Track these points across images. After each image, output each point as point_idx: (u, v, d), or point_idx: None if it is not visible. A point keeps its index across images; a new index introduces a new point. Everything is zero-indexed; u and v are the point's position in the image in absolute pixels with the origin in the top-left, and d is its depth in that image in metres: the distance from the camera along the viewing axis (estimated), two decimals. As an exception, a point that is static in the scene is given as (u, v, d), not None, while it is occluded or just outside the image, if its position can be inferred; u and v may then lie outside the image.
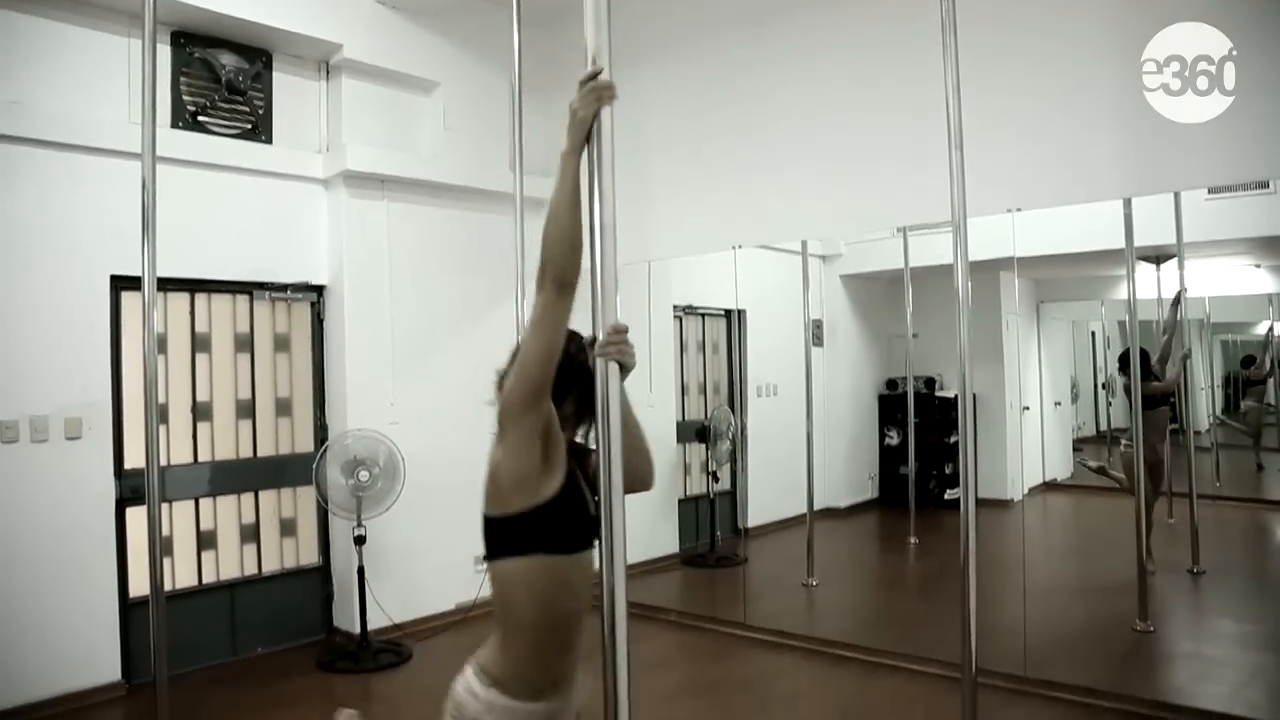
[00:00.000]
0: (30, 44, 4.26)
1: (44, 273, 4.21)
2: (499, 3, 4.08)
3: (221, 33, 4.85)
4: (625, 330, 1.68)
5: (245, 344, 5.04)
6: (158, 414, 3.30)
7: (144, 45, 3.07)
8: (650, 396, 6.29)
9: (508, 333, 4.75)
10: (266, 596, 5.05)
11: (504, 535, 1.87)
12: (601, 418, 1.67)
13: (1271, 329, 6.67)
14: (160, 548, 3.24)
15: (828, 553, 6.50)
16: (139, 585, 4.42)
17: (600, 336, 1.69)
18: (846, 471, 8.04)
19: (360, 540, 4.81)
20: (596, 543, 1.72)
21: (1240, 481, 7.22)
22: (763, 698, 4.48)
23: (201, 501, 4.85)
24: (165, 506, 4.59)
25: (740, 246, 5.55)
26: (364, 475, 4.75)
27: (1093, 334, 8.37)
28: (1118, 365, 6.15)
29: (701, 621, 5.45)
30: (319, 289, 5.29)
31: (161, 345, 4.65)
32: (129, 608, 4.44)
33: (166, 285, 4.59)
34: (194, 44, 4.80)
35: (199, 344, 4.87)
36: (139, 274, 3.22)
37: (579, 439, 2.00)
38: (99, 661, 4.31)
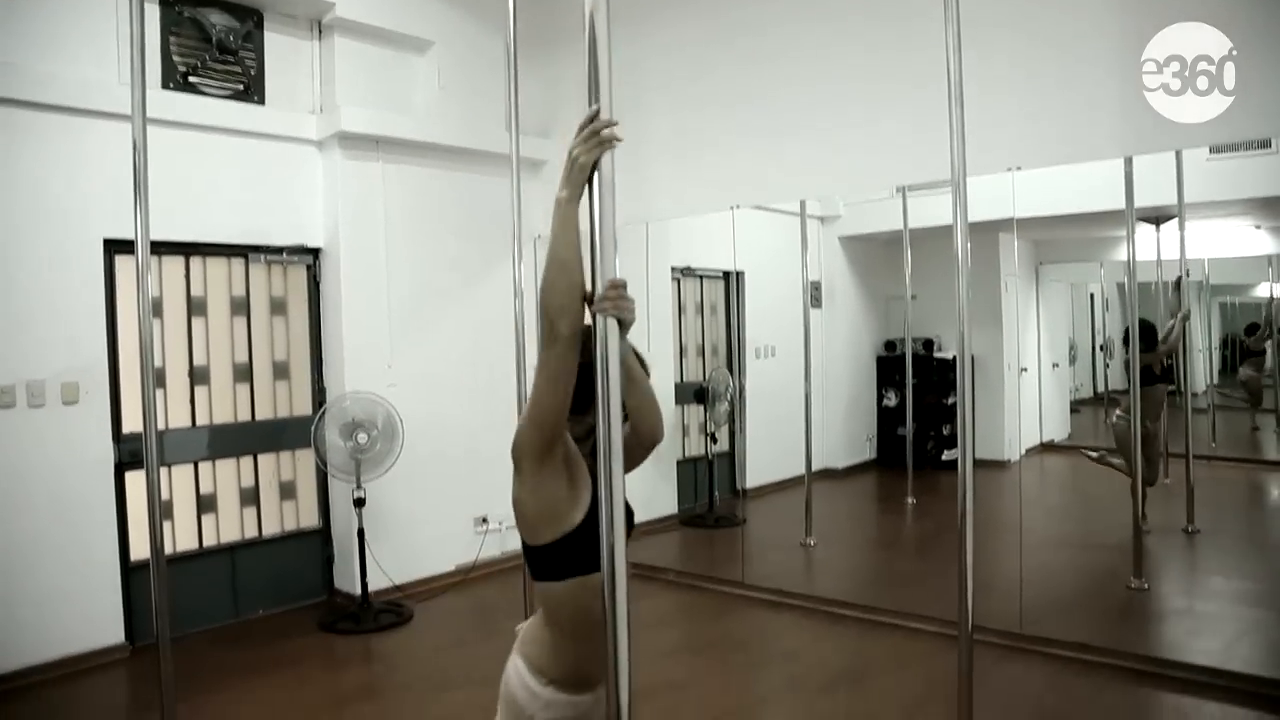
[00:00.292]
0: (18, 4, 4.18)
1: (36, 236, 4.17)
2: (493, -41, 4.01)
3: (211, -10, 4.78)
4: (623, 285, 1.66)
5: (241, 307, 5.02)
6: (154, 378, 3.29)
7: (131, 3, 3.02)
8: (648, 358, 6.26)
9: (505, 295, 4.74)
10: (267, 559, 5.08)
11: (540, 562, 1.88)
12: (600, 374, 1.65)
13: (1273, 298, 6.64)
14: (159, 511, 3.24)
15: (826, 513, 6.54)
16: (139, 549, 4.45)
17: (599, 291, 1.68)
18: (844, 433, 8.05)
19: (360, 502, 4.83)
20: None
21: (1236, 442, 7.25)
22: (761, 655, 4.53)
23: (200, 465, 4.86)
24: (164, 470, 4.60)
25: (738, 207, 5.52)
26: (362, 438, 4.76)
27: (1091, 296, 8.35)
28: (1121, 338, 6.15)
29: (700, 581, 5.49)
30: (315, 252, 5.26)
31: (157, 309, 4.63)
32: (130, 571, 4.47)
33: (161, 249, 4.56)
34: (183, 2, 4.73)
35: (195, 308, 4.84)
36: (132, 237, 3.21)
37: None
38: (102, 624, 4.35)
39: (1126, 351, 5.86)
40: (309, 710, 3.81)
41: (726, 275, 7.35)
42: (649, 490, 6.62)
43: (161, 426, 4.53)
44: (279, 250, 5.10)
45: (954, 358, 3.29)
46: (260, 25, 5.03)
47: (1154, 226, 5.62)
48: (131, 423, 4.45)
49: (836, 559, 6.20)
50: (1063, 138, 4.06)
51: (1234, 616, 4.60)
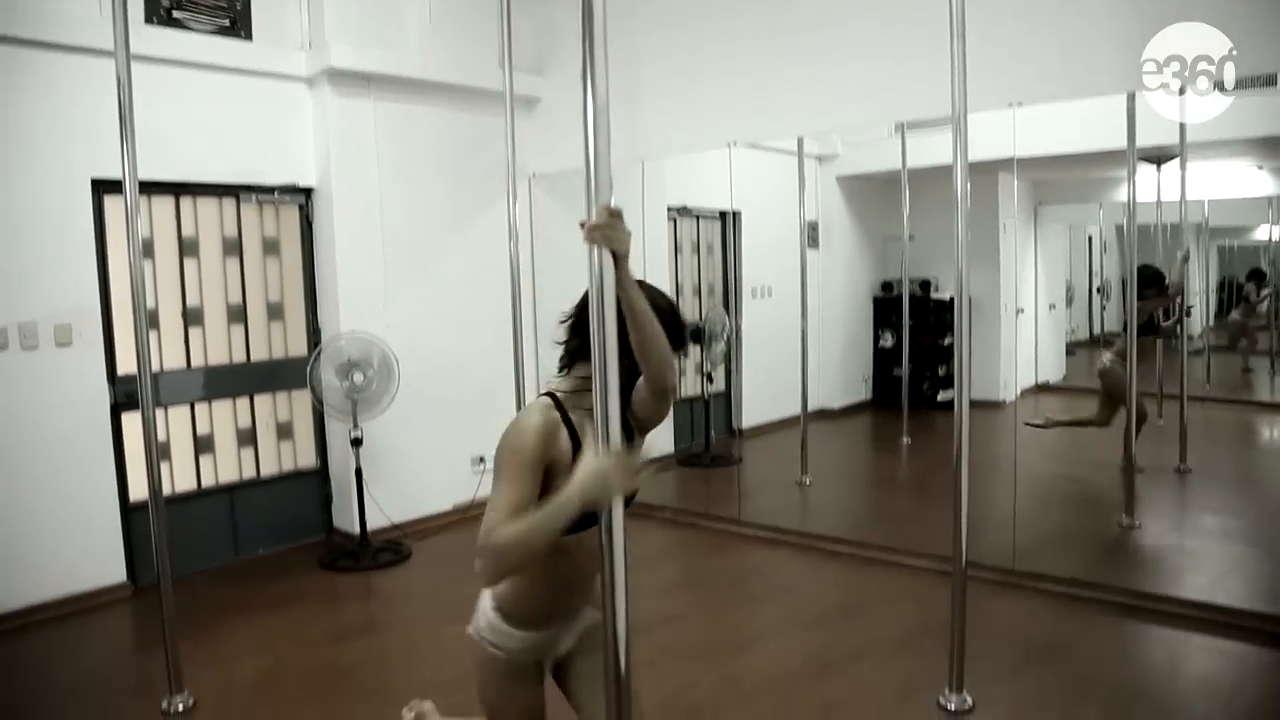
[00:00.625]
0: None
1: (21, 176, 4.10)
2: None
3: (194, -80, 4.65)
4: (619, 213, 1.64)
5: (234, 248, 4.98)
6: (147, 319, 3.28)
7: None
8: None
9: (500, 234, 4.71)
10: (266, 499, 5.11)
11: None
12: (595, 305, 1.63)
13: (1273, 241, 6.61)
14: (156, 451, 3.26)
15: (821, 452, 6.58)
16: (138, 489, 4.46)
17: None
18: (840, 373, 8.07)
19: (357, 442, 4.85)
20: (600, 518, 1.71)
21: (1229, 384, 7.30)
22: (757, 590, 4.59)
23: (197, 406, 4.86)
24: (160, 412, 4.60)
25: (735, 144, 5.46)
26: (358, 378, 4.76)
27: (1089, 239, 8.32)
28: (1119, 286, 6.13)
29: (696, 519, 5.55)
30: (307, 191, 5.20)
31: (148, 250, 4.59)
32: (130, 511, 4.49)
33: (150, 189, 4.50)
34: (166, -67, 4.60)
35: (186, 248, 4.80)
36: (120, 177, 3.17)
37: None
38: (104, 563, 4.39)
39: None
40: (310, 645, 3.87)
41: (723, 215, 7.29)
42: (645, 430, 6.63)
43: (156, 368, 4.51)
44: (270, 190, 5.04)
45: (951, 299, 3.28)
46: (246, -43, 4.90)
47: (1155, 167, 5.57)
48: (126, 364, 4.44)
49: (832, 497, 6.26)
50: (1065, 72, 4.00)
51: (1223, 553, 4.66)
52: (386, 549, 5.00)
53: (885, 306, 8.33)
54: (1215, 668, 3.38)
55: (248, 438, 5.07)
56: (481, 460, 5.80)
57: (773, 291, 7.50)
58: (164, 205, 4.70)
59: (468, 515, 5.64)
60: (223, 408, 4.97)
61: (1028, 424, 5.76)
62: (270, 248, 5.13)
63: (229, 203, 4.94)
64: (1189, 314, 5.92)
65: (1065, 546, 4.95)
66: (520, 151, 4.88)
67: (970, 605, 3.11)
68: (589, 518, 1.74)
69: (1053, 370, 7.72)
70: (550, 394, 2.01)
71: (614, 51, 1.63)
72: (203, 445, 4.89)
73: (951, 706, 3.05)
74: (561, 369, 2.07)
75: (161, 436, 4.63)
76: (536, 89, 5.84)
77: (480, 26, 5.44)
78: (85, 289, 4.31)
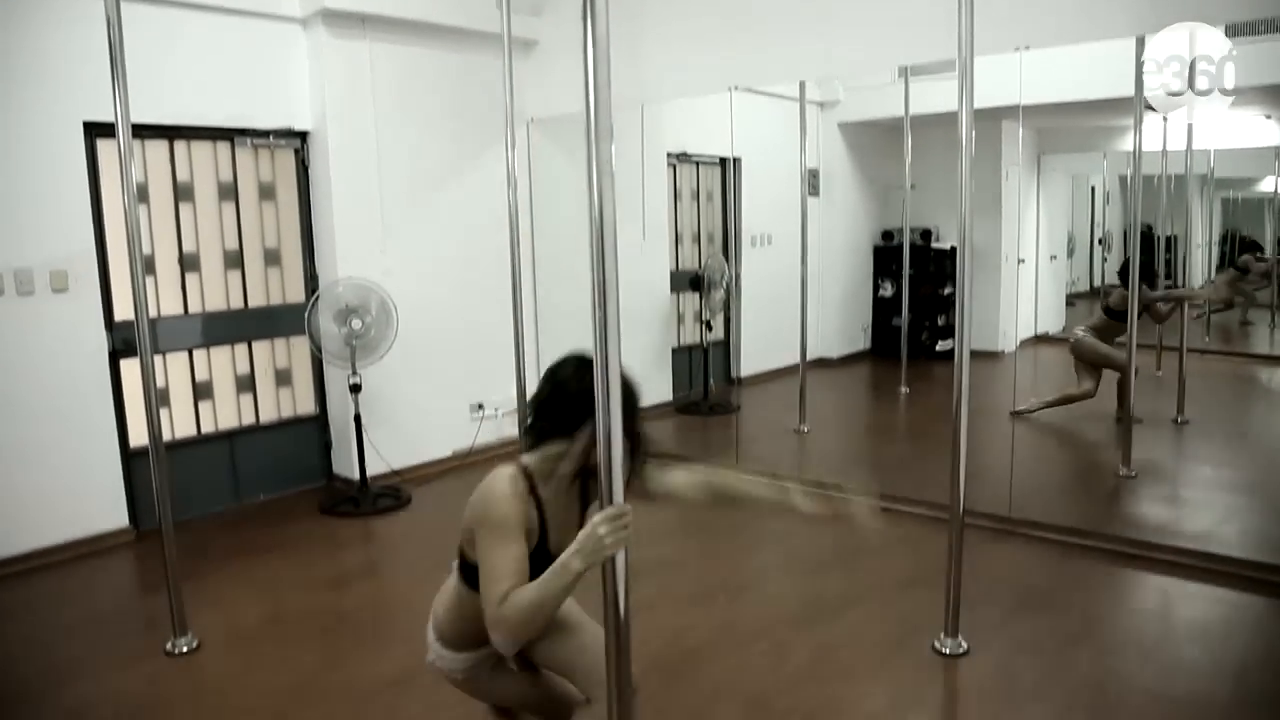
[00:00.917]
0: None
1: (10, 119, 4.03)
2: None
3: None
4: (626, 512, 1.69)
5: (229, 193, 4.92)
6: (143, 264, 3.25)
7: None
8: (643, 245, 6.22)
9: (499, 180, 4.65)
10: (265, 445, 5.13)
11: (469, 573, 2.07)
12: (595, 262, 1.61)
13: (1278, 194, 6.56)
14: (155, 397, 3.25)
15: (819, 401, 6.59)
16: (138, 435, 4.46)
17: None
18: (840, 322, 8.06)
19: (356, 389, 4.84)
20: None
21: (1228, 336, 7.30)
22: (754, 535, 4.62)
23: (195, 353, 4.85)
24: (159, 358, 4.59)
25: (737, 88, 5.38)
26: (357, 324, 4.74)
27: (1092, 189, 8.25)
28: (1119, 272, 6.13)
29: (694, 465, 5.55)
30: (302, 135, 5.13)
31: (142, 195, 4.54)
32: (130, 457, 4.50)
33: (143, 132, 4.43)
34: None
35: (181, 193, 4.74)
36: (112, 120, 3.12)
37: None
38: (106, 508, 4.41)
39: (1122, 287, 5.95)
40: (312, 588, 3.90)
41: (723, 161, 7.22)
42: (643, 378, 6.62)
43: (153, 314, 4.49)
44: (265, 134, 4.97)
45: (951, 248, 3.29)
46: (236, -108, 4.78)
47: (1161, 115, 5.50)
48: (123, 310, 4.41)
49: (829, 444, 6.29)
50: (1075, 15, 3.92)
51: (1218, 502, 4.70)
52: (386, 495, 5.03)
53: (885, 256, 8.29)
54: (1208, 614, 3.42)
55: (247, 384, 5.06)
56: (480, 407, 5.82)
57: (772, 240, 7.46)
58: (157, 149, 4.64)
59: (466, 461, 5.66)
60: (221, 354, 4.95)
61: (1015, 413, 5.74)
62: (266, 193, 5.07)
63: (223, 147, 4.87)
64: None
65: (1062, 496, 4.98)
66: (518, 95, 4.80)
67: (966, 552, 3.14)
68: (541, 566, 1.88)
69: (1052, 321, 7.71)
70: (522, 467, 2.05)
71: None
72: (202, 392, 4.89)
73: (946, 650, 3.09)
74: (530, 447, 2.11)
75: (160, 383, 4.63)
76: (534, 31, 5.73)
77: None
78: (80, 234, 4.27)
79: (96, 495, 4.38)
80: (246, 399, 5.07)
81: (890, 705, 2.80)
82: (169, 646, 3.28)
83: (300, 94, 5.05)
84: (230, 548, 4.40)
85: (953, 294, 3.11)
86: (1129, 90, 4.69)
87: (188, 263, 4.77)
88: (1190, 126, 5.37)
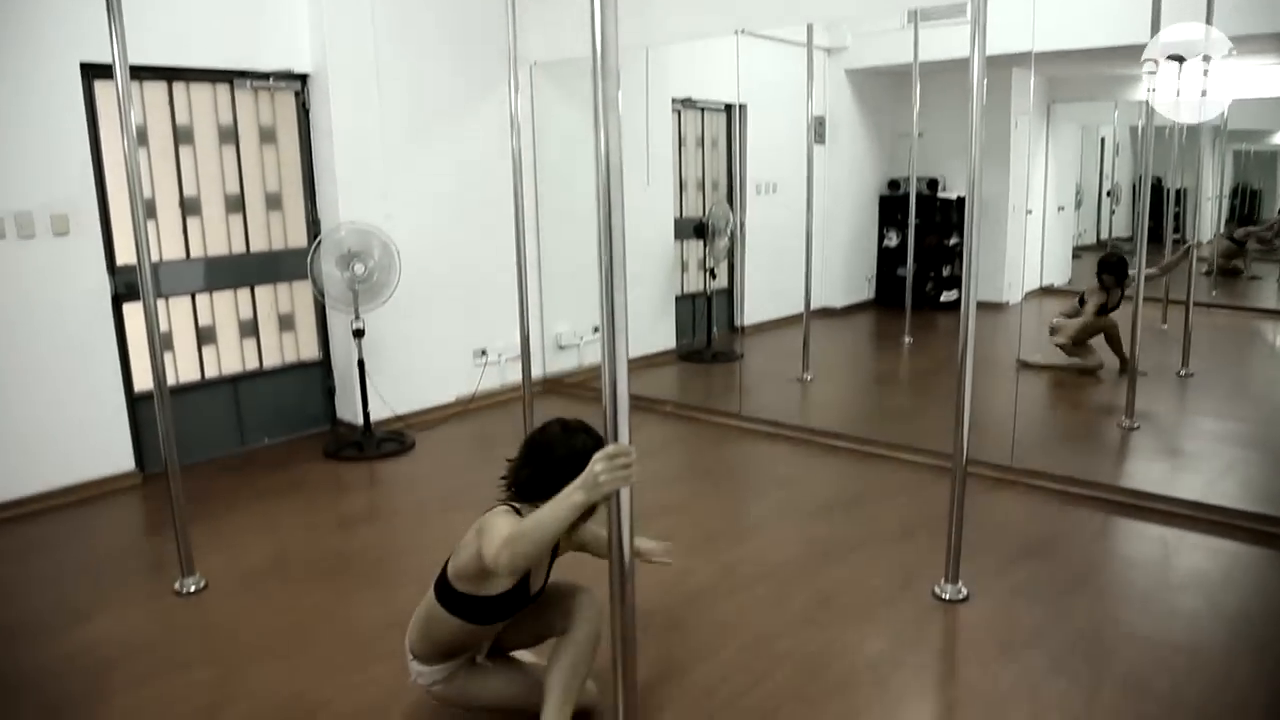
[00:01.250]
0: None
1: (6, 59, 3.97)
2: None
3: None
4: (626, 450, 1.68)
5: (229, 136, 4.87)
6: (144, 208, 3.22)
7: None
8: (647, 191, 6.17)
9: (502, 124, 4.61)
10: (269, 390, 5.14)
11: (448, 595, 2.19)
12: (602, 217, 1.59)
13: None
14: (159, 341, 3.25)
15: (823, 350, 6.60)
16: (143, 379, 4.48)
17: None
18: (844, 272, 8.04)
19: (359, 333, 4.84)
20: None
21: (1234, 290, 7.28)
22: (757, 482, 4.67)
23: (198, 297, 4.83)
24: (161, 302, 4.58)
25: (743, 32, 5.29)
26: (359, 268, 4.72)
27: (1102, 140, 8.17)
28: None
29: (697, 413, 5.58)
30: (302, 78, 5.06)
31: (142, 138, 4.49)
32: (135, 401, 4.52)
33: (141, 74, 4.38)
34: None
35: (181, 136, 4.69)
36: (110, 61, 3.07)
37: None
38: (112, 452, 4.44)
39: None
40: (317, 531, 3.94)
41: (728, 108, 7.14)
42: (646, 326, 6.66)
43: (155, 258, 4.47)
44: (265, 76, 4.90)
45: (958, 198, 3.23)
46: None
47: (1176, 64, 5.41)
48: (125, 254, 4.40)
49: (832, 394, 6.30)
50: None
51: (1220, 454, 4.71)
52: (390, 439, 5.05)
53: (891, 205, 8.23)
54: (1206, 564, 3.44)
55: (250, 329, 5.06)
56: (483, 353, 5.82)
57: (777, 188, 7.40)
58: (156, 91, 4.58)
59: (470, 407, 5.69)
60: (224, 299, 4.94)
61: (1022, 362, 5.76)
62: (266, 136, 5.02)
63: (223, 89, 4.81)
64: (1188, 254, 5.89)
65: (1064, 446, 5.00)
66: (521, 39, 4.73)
67: (968, 500, 3.16)
68: (518, 608, 2.19)
69: (1058, 273, 7.69)
70: (514, 508, 2.16)
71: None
72: (205, 336, 4.89)
73: (946, 596, 3.13)
74: (508, 499, 2.22)
75: (163, 327, 4.62)
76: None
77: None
78: (80, 177, 4.23)
79: (102, 439, 4.40)
80: (250, 344, 5.07)
81: (890, 649, 2.84)
82: (177, 586, 3.32)
83: (300, 36, 4.97)
84: (235, 491, 4.43)
85: (958, 245, 3.10)
86: (1144, 37, 4.62)
87: (188, 207, 4.74)
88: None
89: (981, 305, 3.03)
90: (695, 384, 6.67)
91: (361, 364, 4.92)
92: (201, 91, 4.73)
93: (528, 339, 4.72)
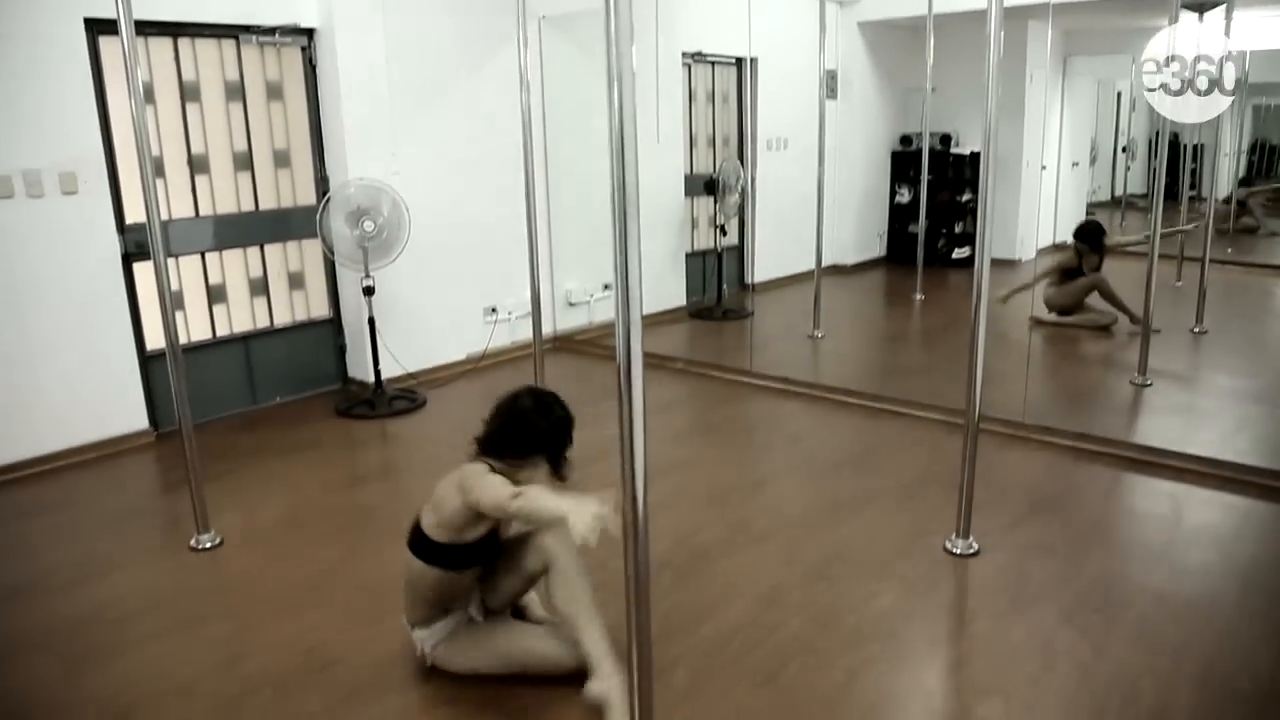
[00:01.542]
0: None
1: (9, 14, 3.92)
2: None
3: None
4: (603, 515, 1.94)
5: (236, 93, 4.82)
6: (152, 166, 3.21)
7: None
8: (657, 147, 6.11)
9: (511, 79, 4.54)
10: (281, 348, 5.15)
11: (423, 546, 2.36)
12: (616, 178, 1.56)
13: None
14: (170, 300, 3.25)
15: (834, 307, 6.57)
16: (154, 338, 4.49)
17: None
18: (855, 228, 7.98)
19: (369, 291, 4.83)
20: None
21: (1250, 247, 7.22)
22: (768, 437, 4.67)
23: (208, 256, 4.83)
24: (172, 261, 4.57)
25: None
26: (369, 225, 4.69)
27: (1119, 94, 8.03)
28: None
29: (708, 370, 5.58)
30: (309, 32, 5.00)
31: (148, 94, 4.45)
32: (147, 360, 4.53)
33: (146, 29, 4.32)
34: None
35: (188, 93, 4.65)
36: (114, 16, 3.03)
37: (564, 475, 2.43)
38: (125, 411, 4.46)
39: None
40: (330, 486, 3.97)
41: (739, 62, 7.04)
42: (657, 283, 6.63)
43: (165, 217, 4.45)
44: (271, 31, 4.84)
45: (972, 154, 3.17)
46: None
47: (1197, 14, 5.30)
48: (134, 213, 4.37)
49: (843, 350, 6.29)
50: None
51: (1233, 411, 4.70)
52: (401, 397, 5.06)
53: (903, 161, 8.15)
54: (1217, 519, 3.44)
55: (260, 287, 5.06)
56: (494, 311, 5.82)
57: (788, 144, 7.32)
58: (162, 47, 4.53)
59: (480, 365, 5.69)
60: (234, 257, 4.93)
61: (1035, 318, 5.89)
62: (274, 92, 4.97)
63: (229, 44, 4.76)
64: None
65: (1076, 402, 4.99)
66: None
67: (979, 456, 3.15)
68: (492, 555, 2.41)
69: (1071, 231, 7.60)
70: (488, 464, 2.35)
71: None
72: (215, 295, 4.89)
73: (957, 550, 3.14)
74: (479, 453, 2.41)
75: (174, 286, 4.62)
76: (546, -78, 5.54)
77: None
78: (87, 135, 4.20)
79: (116, 397, 4.43)
80: (260, 302, 5.07)
81: (900, 602, 2.85)
82: (193, 543, 3.35)
83: (306, -12, 4.91)
84: (248, 449, 4.46)
85: (970, 201, 3.07)
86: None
87: (197, 164, 4.71)
88: (1228, 25, 5.16)
89: (994, 262, 3.01)
90: (706, 341, 6.66)
91: (372, 322, 4.92)
92: (207, 47, 4.68)
93: (538, 296, 4.71)
